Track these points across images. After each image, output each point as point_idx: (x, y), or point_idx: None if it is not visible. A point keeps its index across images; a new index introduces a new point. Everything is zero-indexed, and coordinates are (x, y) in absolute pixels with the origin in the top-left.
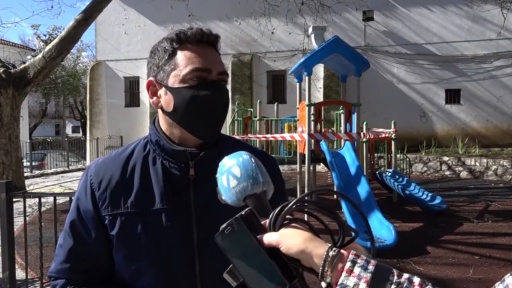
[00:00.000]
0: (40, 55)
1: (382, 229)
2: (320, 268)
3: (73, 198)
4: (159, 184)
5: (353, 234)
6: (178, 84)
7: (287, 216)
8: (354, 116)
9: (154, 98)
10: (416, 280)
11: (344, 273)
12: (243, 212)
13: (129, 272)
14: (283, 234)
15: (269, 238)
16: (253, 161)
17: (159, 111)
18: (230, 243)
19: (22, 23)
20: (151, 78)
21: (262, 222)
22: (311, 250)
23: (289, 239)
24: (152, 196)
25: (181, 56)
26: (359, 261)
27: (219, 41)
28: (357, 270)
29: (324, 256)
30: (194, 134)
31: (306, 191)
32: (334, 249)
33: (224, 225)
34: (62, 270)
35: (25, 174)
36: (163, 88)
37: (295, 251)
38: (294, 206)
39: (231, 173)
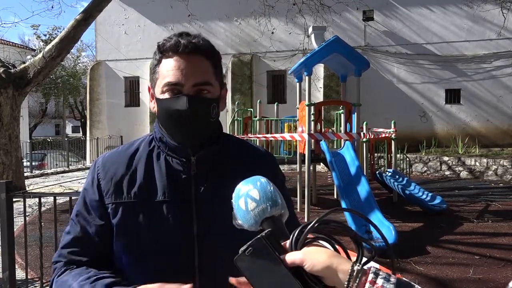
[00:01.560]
0: (40, 55)
1: (382, 229)
2: (346, 283)
3: (73, 198)
4: (162, 178)
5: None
6: (159, 95)
7: (308, 236)
8: (354, 116)
9: (152, 102)
10: None
11: (367, 284)
12: (263, 233)
13: (128, 261)
14: (307, 252)
15: (292, 257)
16: (271, 184)
17: None
18: (251, 265)
19: (22, 23)
20: (148, 84)
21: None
22: (336, 266)
23: (314, 256)
24: (154, 189)
25: (161, 68)
26: (381, 273)
27: (201, 48)
28: (380, 281)
29: (350, 271)
30: (175, 141)
31: (306, 191)
32: (358, 264)
33: (244, 247)
34: (63, 255)
35: (25, 174)
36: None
37: (321, 267)
38: (316, 225)
39: (249, 196)
